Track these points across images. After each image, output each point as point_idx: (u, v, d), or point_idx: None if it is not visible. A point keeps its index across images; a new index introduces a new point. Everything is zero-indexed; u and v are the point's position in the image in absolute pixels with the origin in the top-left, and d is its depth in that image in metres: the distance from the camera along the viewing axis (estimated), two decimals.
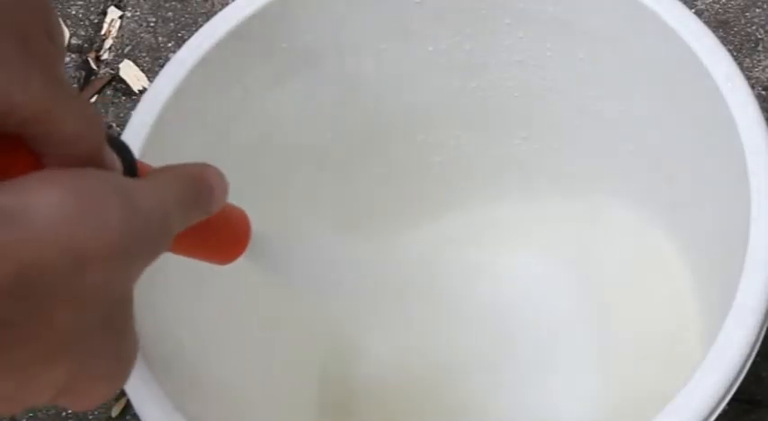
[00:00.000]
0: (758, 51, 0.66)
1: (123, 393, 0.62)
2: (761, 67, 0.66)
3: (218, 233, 0.36)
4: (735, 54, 0.64)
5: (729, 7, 0.67)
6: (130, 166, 0.30)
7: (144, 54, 0.71)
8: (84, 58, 0.72)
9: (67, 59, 0.72)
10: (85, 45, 0.72)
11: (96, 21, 0.73)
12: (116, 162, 0.29)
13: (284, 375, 0.55)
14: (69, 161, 0.26)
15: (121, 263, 0.25)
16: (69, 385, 0.25)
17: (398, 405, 0.55)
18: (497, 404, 0.54)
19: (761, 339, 0.38)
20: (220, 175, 0.31)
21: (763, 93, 0.65)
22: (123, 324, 0.27)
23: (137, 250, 0.26)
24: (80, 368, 0.25)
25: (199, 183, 0.30)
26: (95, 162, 0.27)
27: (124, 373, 0.27)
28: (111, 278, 0.25)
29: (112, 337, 0.26)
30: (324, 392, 0.56)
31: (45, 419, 0.62)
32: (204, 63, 0.46)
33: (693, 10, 0.63)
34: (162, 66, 0.59)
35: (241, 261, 0.38)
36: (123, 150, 0.30)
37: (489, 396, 0.54)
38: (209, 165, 0.31)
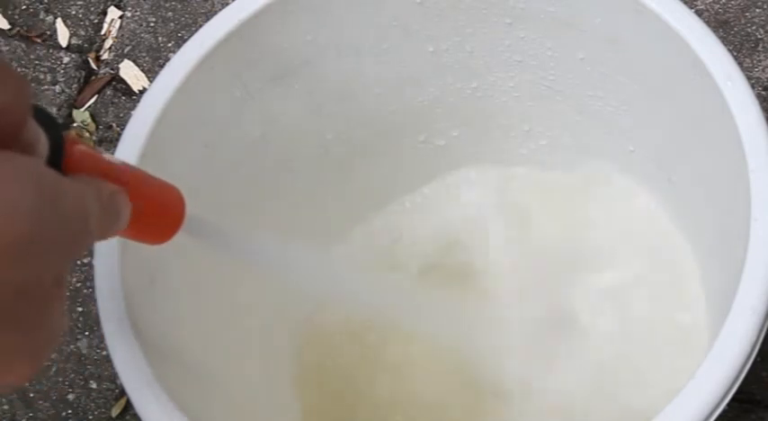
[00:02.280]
0: (758, 51, 0.66)
1: (123, 393, 0.62)
2: (761, 67, 0.66)
3: (149, 212, 0.35)
4: (735, 54, 0.64)
5: (729, 7, 0.67)
6: (56, 143, 0.28)
7: (144, 54, 0.71)
8: (84, 58, 0.72)
9: (67, 59, 0.72)
10: (85, 45, 0.72)
11: (96, 21, 0.73)
12: (41, 137, 0.27)
13: (285, 376, 0.55)
14: None
15: (30, 254, 0.24)
16: None
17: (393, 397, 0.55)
18: (498, 384, 0.54)
19: (761, 339, 0.38)
20: (127, 203, 0.31)
21: (763, 93, 0.65)
22: (36, 317, 0.26)
23: (49, 243, 0.25)
24: None
25: (111, 200, 0.30)
26: (16, 136, 0.26)
27: (36, 363, 0.26)
28: (17, 269, 0.24)
29: (21, 330, 0.25)
30: (323, 394, 0.56)
31: (45, 419, 0.62)
32: (204, 63, 0.46)
33: (693, 10, 0.63)
34: (162, 66, 0.59)
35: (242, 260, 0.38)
36: (50, 124, 0.28)
37: (485, 379, 0.54)
38: (120, 190, 0.30)
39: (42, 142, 0.28)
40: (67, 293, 0.65)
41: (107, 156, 0.32)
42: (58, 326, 0.27)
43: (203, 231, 0.38)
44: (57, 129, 0.28)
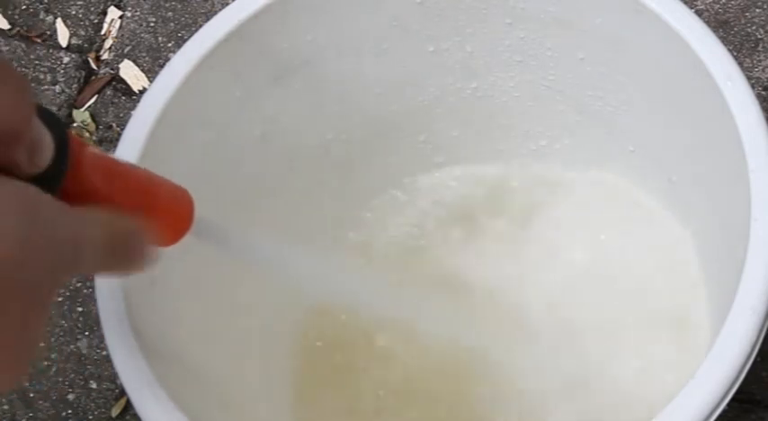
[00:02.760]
0: (758, 51, 0.66)
1: (123, 393, 0.62)
2: (761, 67, 0.66)
3: (159, 215, 0.34)
4: (735, 54, 0.64)
5: (729, 7, 0.67)
6: (61, 142, 0.28)
7: (144, 54, 0.71)
8: (84, 58, 0.72)
9: (67, 59, 0.72)
10: (85, 45, 0.72)
11: (96, 21, 0.73)
12: (46, 137, 0.27)
13: (285, 376, 0.55)
14: None
15: (15, 279, 0.24)
16: None
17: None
18: (498, 386, 0.54)
19: (761, 339, 0.38)
20: (143, 241, 0.30)
21: (763, 93, 0.65)
22: (14, 334, 0.25)
23: (36, 270, 0.25)
24: None
25: (120, 237, 0.29)
26: (22, 138, 0.25)
27: (11, 377, 0.26)
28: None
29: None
30: (322, 394, 0.56)
31: (45, 419, 0.62)
32: (204, 63, 0.46)
33: (693, 10, 0.63)
34: (162, 66, 0.59)
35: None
36: (55, 124, 0.28)
37: (485, 381, 0.54)
38: (139, 228, 0.30)
39: (47, 141, 0.27)
40: (67, 293, 0.65)
41: (111, 157, 0.32)
42: (35, 341, 0.27)
43: (208, 232, 0.38)
44: (61, 128, 0.28)
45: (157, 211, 0.34)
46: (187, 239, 0.36)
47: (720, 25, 0.67)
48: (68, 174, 0.29)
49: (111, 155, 0.32)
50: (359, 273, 0.57)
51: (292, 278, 0.44)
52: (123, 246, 0.29)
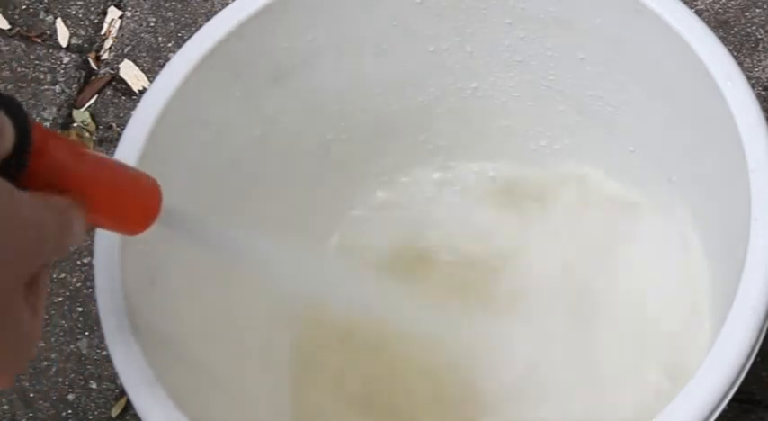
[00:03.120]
0: (758, 51, 0.66)
1: (123, 393, 0.62)
2: (761, 67, 0.66)
3: (124, 202, 0.34)
4: (735, 54, 0.64)
5: (729, 7, 0.68)
6: (23, 130, 0.28)
7: (144, 54, 0.71)
8: (84, 58, 0.72)
9: (67, 59, 0.72)
10: (85, 45, 0.72)
11: (96, 21, 0.73)
12: (7, 125, 0.27)
13: (285, 375, 0.55)
14: None
15: None
16: None
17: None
18: (496, 388, 0.54)
19: (761, 339, 0.38)
20: (80, 217, 0.30)
21: (763, 93, 0.65)
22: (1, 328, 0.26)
23: (6, 254, 0.25)
24: None
25: (64, 214, 0.29)
26: None
27: (7, 375, 0.26)
28: None
29: None
30: (322, 394, 0.56)
31: (45, 419, 0.62)
32: (204, 63, 0.46)
33: (693, 10, 0.63)
34: (162, 66, 0.59)
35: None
36: (16, 112, 0.28)
37: (483, 383, 0.54)
38: (74, 205, 0.30)
39: (8, 129, 0.27)
40: (67, 293, 0.65)
41: (76, 143, 0.32)
42: (29, 335, 0.27)
43: (180, 223, 0.37)
44: (23, 117, 0.28)
45: (124, 197, 0.34)
46: (161, 230, 0.36)
47: (720, 25, 0.67)
48: (32, 161, 0.29)
49: (79, 144, 0.32)
50: (356, 274, 0.57)
51: (276, 276, 0.44)
52: (67, 222, 0.30)
